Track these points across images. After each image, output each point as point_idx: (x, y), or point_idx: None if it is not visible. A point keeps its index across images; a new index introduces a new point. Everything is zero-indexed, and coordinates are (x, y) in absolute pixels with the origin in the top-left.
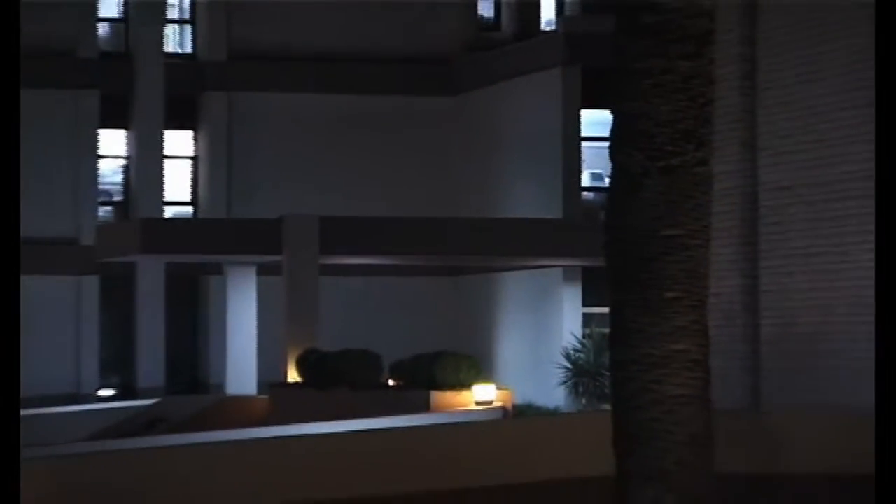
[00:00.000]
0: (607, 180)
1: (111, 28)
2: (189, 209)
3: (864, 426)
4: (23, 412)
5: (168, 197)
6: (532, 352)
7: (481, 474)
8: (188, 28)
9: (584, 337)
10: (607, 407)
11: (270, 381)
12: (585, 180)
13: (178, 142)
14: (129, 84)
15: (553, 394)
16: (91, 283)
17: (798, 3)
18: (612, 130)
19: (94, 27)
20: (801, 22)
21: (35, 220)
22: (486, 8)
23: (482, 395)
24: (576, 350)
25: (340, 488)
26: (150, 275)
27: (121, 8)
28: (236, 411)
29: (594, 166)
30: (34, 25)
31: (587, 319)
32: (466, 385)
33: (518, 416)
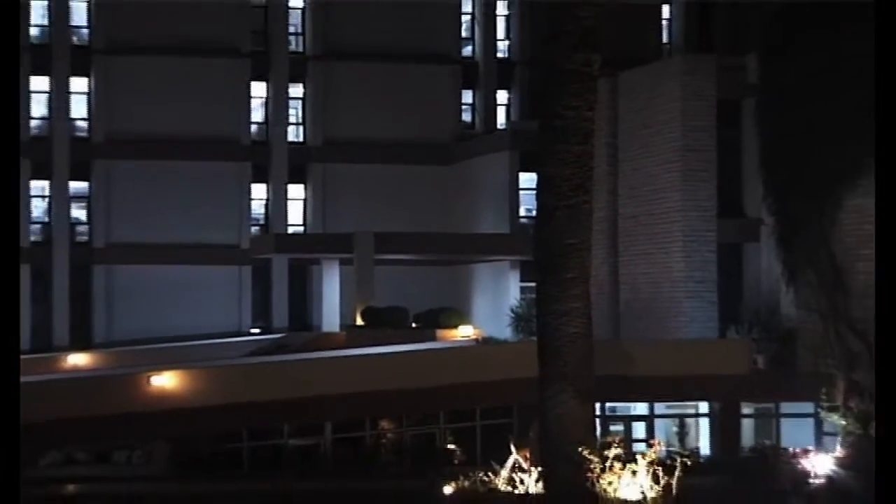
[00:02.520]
0: (535, 212)
1: (258, 127)
2: (301, 228)
3: (679, 350)
4: (207, 341)
5: (290, 221)
6: (493, 308)
7: (464, 375)
8: (300, 127)
9: (521, 299)
10: (534, 338)
11: (347, 324)
12: (522, 212)
13: (296, 191)
14: (268, 158)
15: (504, 331)
16: (247, 271)
17: (639, 115)
18: (537, 184)
19: (249, 127)
20: (641, 124)
21: (215, 234)
22: (467, 116)
23: (465, 332)
24: (517, 307)
25: (386, 383)
26: (280, 265)
27: (263, 115)
28: (327, 341)
29: (528, 204)
30: (215, 124)
31: (524, 290)
32: (456, 326)
33: (484, 343)
